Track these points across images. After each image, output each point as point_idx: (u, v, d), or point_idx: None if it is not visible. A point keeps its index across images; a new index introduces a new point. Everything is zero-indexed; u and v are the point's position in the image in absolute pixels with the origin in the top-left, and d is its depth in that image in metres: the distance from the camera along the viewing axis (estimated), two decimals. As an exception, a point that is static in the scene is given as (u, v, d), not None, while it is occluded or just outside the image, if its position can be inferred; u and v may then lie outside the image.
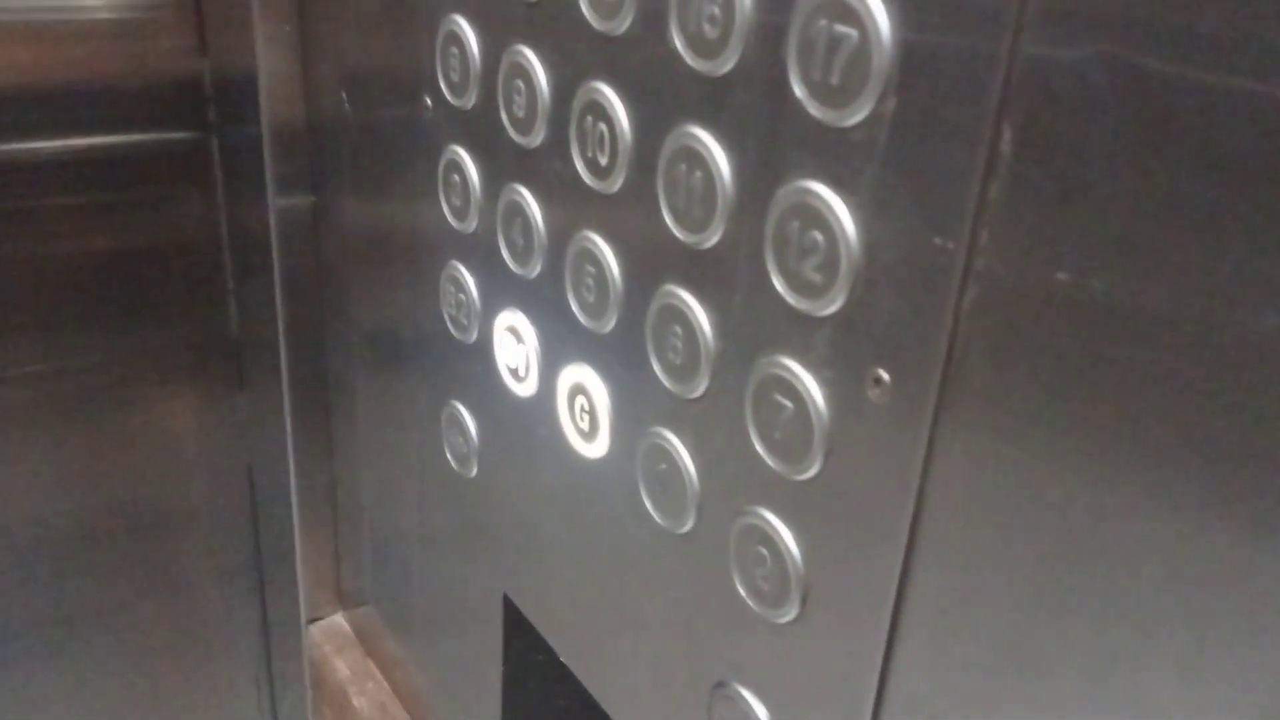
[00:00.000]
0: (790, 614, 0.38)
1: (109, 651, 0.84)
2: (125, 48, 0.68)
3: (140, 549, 0.83)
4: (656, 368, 0.42)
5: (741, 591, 0.40)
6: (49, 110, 0.67)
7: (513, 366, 0.52)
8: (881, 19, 0.29)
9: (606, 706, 0.51)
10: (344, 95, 0.63)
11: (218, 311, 0.77)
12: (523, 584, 0.57)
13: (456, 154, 0.52)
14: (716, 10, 0.34)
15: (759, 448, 0.37)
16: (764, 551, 0.38)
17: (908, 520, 0.33)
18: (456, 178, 0.52)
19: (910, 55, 0.29)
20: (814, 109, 0.32)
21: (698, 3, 0.35)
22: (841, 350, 0.34)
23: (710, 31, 0.35)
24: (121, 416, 0.77)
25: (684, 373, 0.40)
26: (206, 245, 0.75)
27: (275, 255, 0.69)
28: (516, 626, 0.58)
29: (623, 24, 0.39)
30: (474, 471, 0.59)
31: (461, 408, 0.58)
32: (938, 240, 0.30)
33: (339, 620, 0.86)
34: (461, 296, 0.55)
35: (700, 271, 0.39)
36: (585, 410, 0.46)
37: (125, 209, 0.71)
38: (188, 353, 0.78)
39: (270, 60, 0.66)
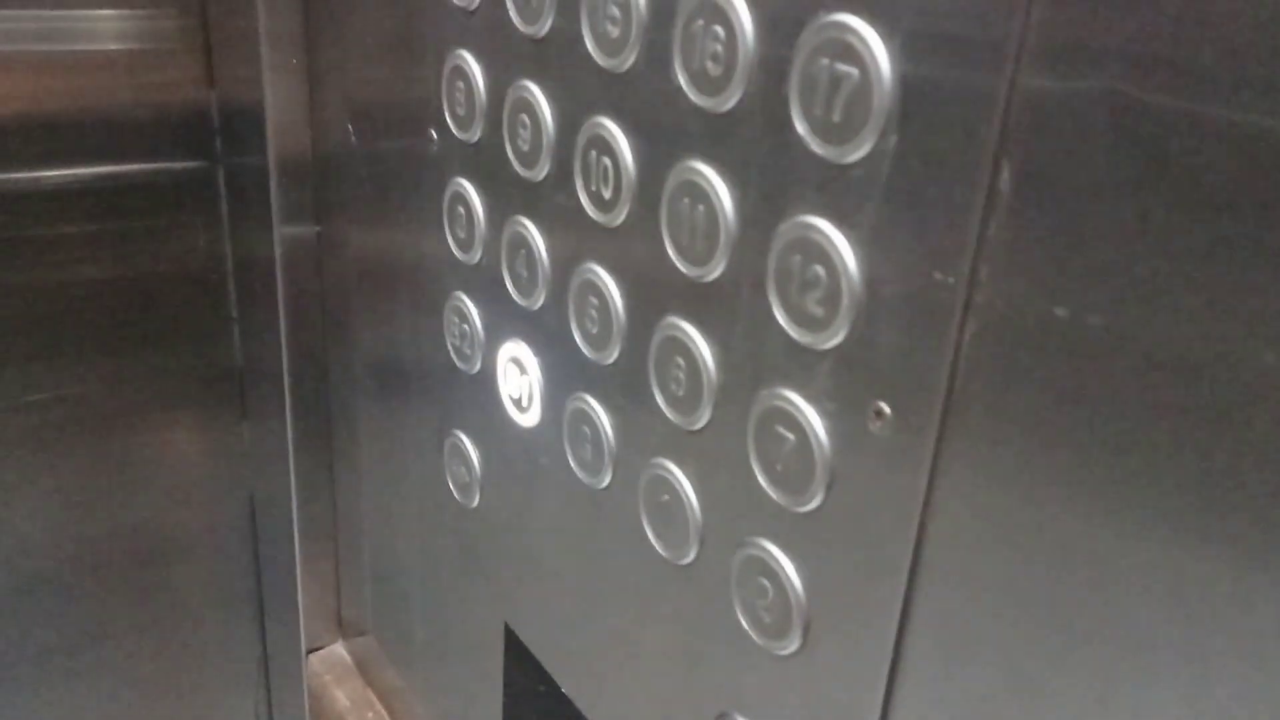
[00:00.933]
0: (792, 646, 0.38)
1: (108, 679, 0.84)
2: (133, 79, 0.68)
3: (141, 577, 0.83)
4: (659, 399, 0.42)
5: (743, 623, 0.40)
6: (57, 140, 0.67)
7: (516, 397, 0.52)
8: (882, 58, 0.30)
9: (607, 738, 0.51)
10: (350, 127, 0.64)
11: (221, 340, 0.78)
12: (524, 614, 0.57)
13: (461, 186, 0.52)
14: (719, 48, 0.35)
15: (761, 479, 0.37)
16: (766, 583, 0.38)
17: (909, 552, 0.33)
18: (461, 210, 0.53)
19: (910, 93, 0.30)
20: (816, 145, 0.33)
21: (701, 40, 0.36)
22: (843, 383, 0.34)
23: (713, 69, 0.35)
24: (124, 444, 0.77)
25: (686, 404, 0.40)
26: (211, 274, 0.75)
27: (280, 285, 0.69)
28: (518, 657, 0.58)
29: (627, 61, 0.39)
30: (476, 501, 0.59)
31: (464, 438, 0.59)
32: (938, 275, 0.30)
33: (339, 650, 0.85)
34: (465, 327, 0.55)
35: (703, 304, 0.39)
36: (588, 441, 0.47)
37: (131, 238, 0.72)
38: (191, 381, 0.78)
39: (277, 92, 0.66)
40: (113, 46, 0.67)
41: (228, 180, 0.74)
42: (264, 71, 0.65)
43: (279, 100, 0.67)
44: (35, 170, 0.67)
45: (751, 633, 0.40)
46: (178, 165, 0.72)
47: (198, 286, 0.75)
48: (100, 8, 0.66)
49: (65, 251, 0.70)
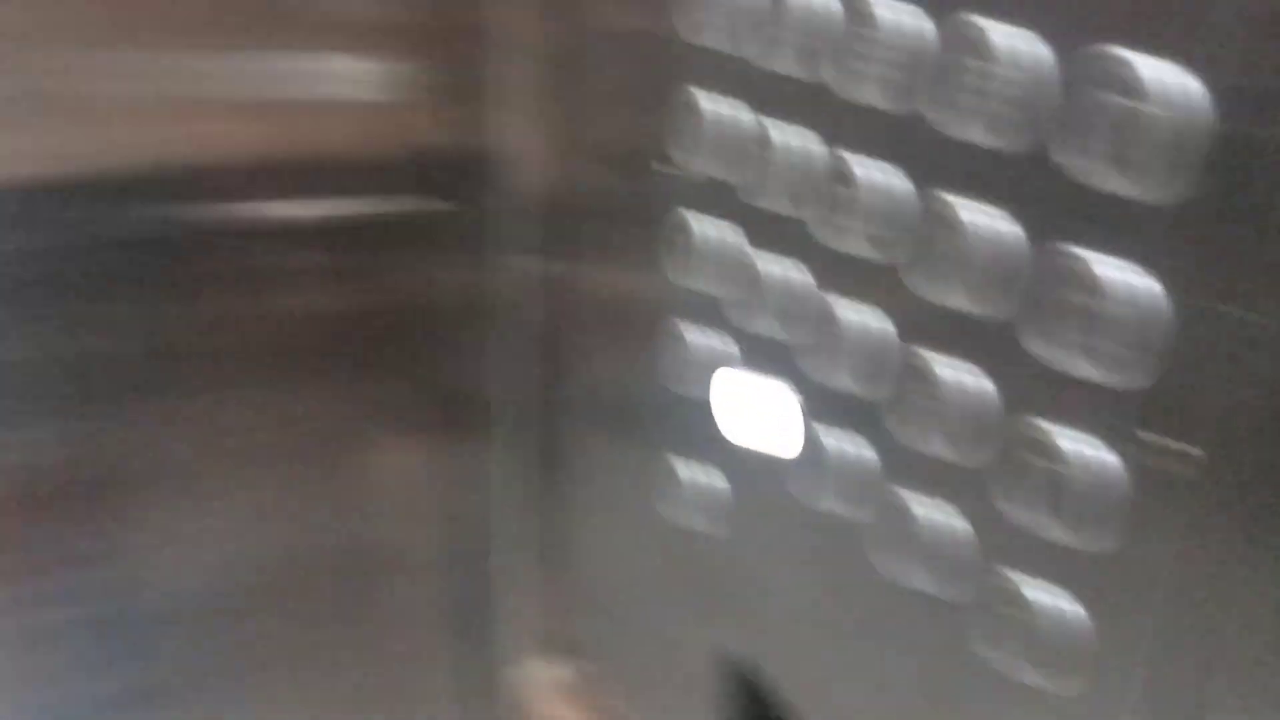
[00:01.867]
0: (1073, 690, 0.37)
1: (305, 695, 0.87)
2: (380, 125, 0.72)
3: (344, 594, 0.86)
4: (928, 435, 0.41)
5: (1017, 664, 0.39)
6: (312, 178, 0.72)
7: (752, 426, 0.52)
8: (1196, 99, 0.29)
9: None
10: (583, 163, 0.66)
11: (441, 368, 0.81)
12: (753, 648, 0.57)
13: (689, 219, 0.53)
14: (1006, 88, 0.35)
15: (1048, 518, 0.37)
16: (1046, 623, 0.37)
17: (1212, 600, 0.32)
18: (687, 240, 0.54)
19: (1224, 136, 0.29)
20: (1112, 184, 0.32)
21: (970, 77, 0.35)
22: (1148, 424, 0.33)
23: (995, 107, 0.35)
24: (339, 464, 0.81)
25: (959, 440, 0.40)
26: (440, 305, 0.79)
27: (501, 315, 0.72)
28: (743, 693, 0.57)
29: (872, 97, 0.39)
30: (710, 529, 0.59)
31: (691, 464, 0.59)
32: (1251, 316, 0.30)
33: (546, 669, 0.87)
34: (694, 356, 0.56)
35: (982, 342, 0.38)
36: (843, 474, 0.46)
37: (362, 272, 0.75)
38: (407, 405, 0.81)
39: (509, 135, 0.69)
40: (366, 97, 0.71)
41: (459, 219, 0.77)
42: (498, 116, 0.68)
43: (510, 143, 0.70)
44: (278, 205, 0.72)
45: (1030, 674, 0.39)
46: (413, 205, 0.76)
47: (422, 316, 0.78)
48: (344, 55, 0.70)
49: (310, 281, 0.74)
